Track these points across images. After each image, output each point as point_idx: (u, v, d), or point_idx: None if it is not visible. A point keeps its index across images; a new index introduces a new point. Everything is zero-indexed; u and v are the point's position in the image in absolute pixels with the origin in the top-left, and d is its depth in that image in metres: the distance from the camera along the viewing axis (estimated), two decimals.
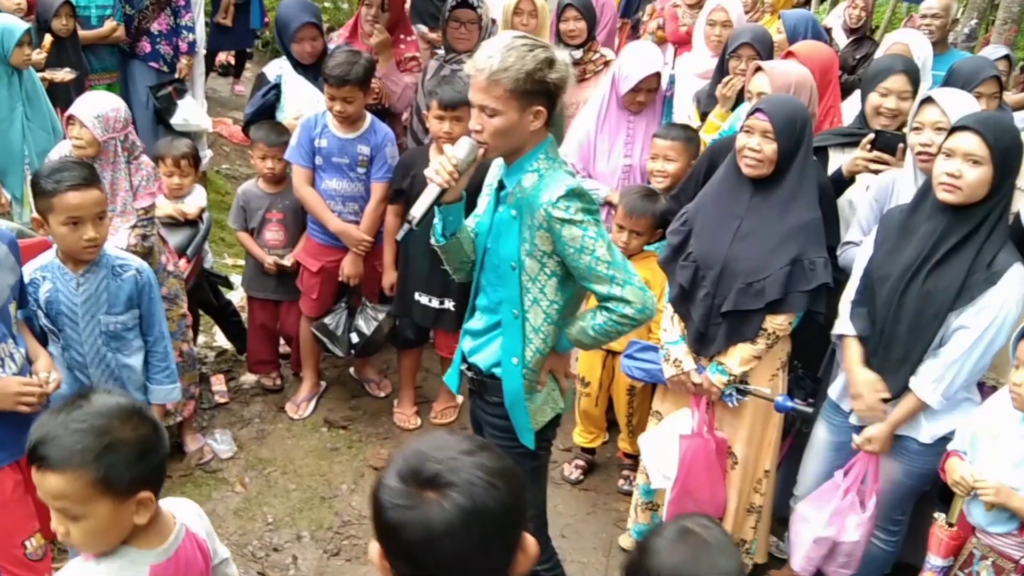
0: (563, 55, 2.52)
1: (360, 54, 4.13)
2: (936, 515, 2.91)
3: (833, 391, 3.22)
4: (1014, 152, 2.78)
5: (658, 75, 4.09)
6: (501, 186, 2.64)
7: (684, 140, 3.88)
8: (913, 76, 3.46)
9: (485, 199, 2.75)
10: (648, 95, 4.10)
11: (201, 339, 5.18)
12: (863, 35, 6.42)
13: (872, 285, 3.02)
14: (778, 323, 3.12)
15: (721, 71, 4.24)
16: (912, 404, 2.93)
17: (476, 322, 2.79)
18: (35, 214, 2.85)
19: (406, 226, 2.49)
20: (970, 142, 2.76)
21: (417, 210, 2.47)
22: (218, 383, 4.74)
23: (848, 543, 3.12)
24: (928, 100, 3.15)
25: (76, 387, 2.90)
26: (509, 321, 2.65)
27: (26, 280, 2.81)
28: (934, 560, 2.88)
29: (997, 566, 2.73)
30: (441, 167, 2.48)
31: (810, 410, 3.23)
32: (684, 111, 4.55)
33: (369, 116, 4.22)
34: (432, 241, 2.69)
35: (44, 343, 2.87)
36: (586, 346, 2.83)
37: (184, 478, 4.04)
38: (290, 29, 4.49)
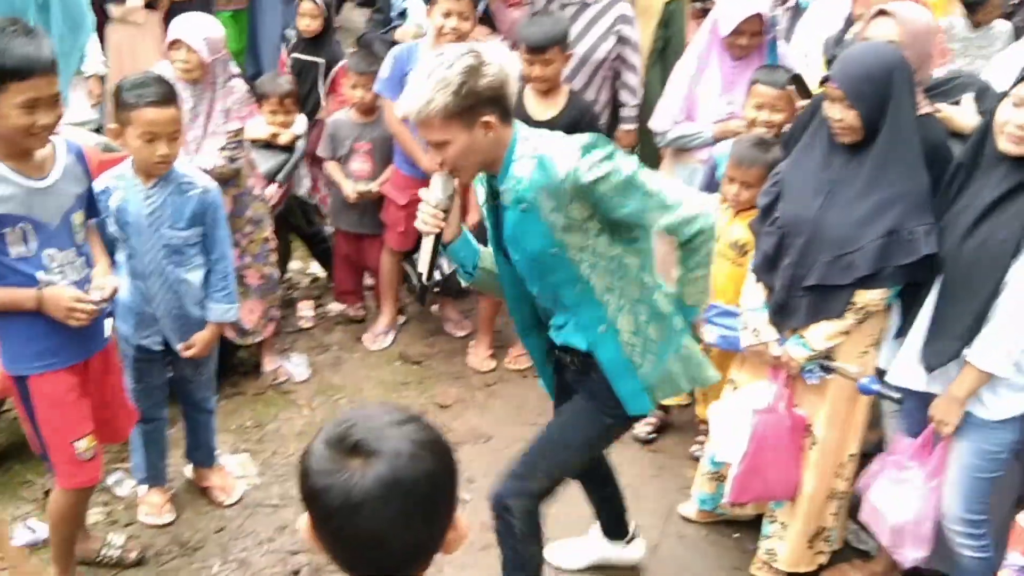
0: (494, 53, 2.30)
1: None
2: (1020, 517, 2.62)
3: (882, 359, 2.98)
4: None
5: (760, 16, 3.77)
6: (494, 195, 2.47)
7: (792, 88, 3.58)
8: None
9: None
10: (752, 39, 3.80)
11: (297, 264, 5.27)
12: None
13: None
14: (870, 298, 2.86)
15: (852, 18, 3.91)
16: (973, 375, 2.68)
17: (555, 320, 2.65)
18: (112, 124, 2.91)
19: (418, 286, 2.46)
20: None
21: (422, 265, 2.42)
22: (306, 308, 4.83)
23: (908, 522, 2.90)
24: None
25: (137, 295, 2.99)
26: (575, 300, 2.51)
27: (99, 188, 2.87)
28: (1015, 558, 2.58)
29: None
30: (424, 215, 2.38)
31: (898, 395, 2.95)
32: (808, 51, 4.19)
33: None
34: (462, 283, 2.60)
35: (113, 250, 2.94)
36: (704, 291, 2.68)
37: (257, 396, 4.14)
38: None
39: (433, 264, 2.41)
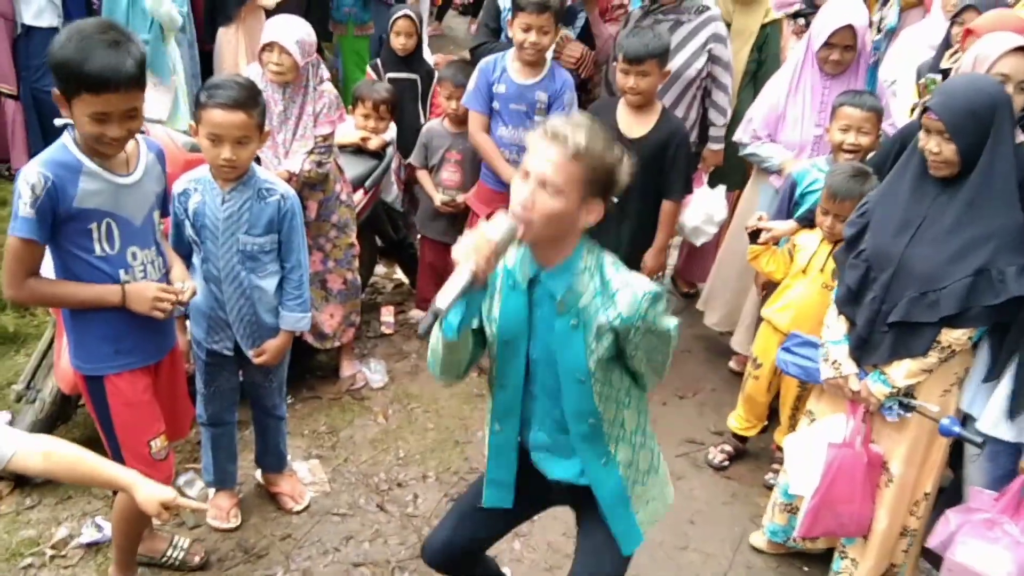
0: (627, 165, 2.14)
1: None
2: None
3: (965, 400, 2.86)
4: None
5: (852, 28, 3.64)
6: (532, 284, 2.18)
7: (879, 112, 3.46)
8: None
9: (498, 295, 2.24)
10: (844, 54, 3.68)
11: (382, 270, 5.32)
12: None
13: None
14: (955, 337, 2.74)
15: (948, 42, 3.74)
16: None
17: (538, 434, 2.37)
18: (192, 122, 2.92)
19: (429, 317, 1.97)
20: None
21: (444, 299, 1.97)
22: (387, 314, 4.87)
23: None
24: None
25: (211, 299, 3.01)
26: (584, 431, 2.28)
27: (179, 190, 2.92)
28: None
29: None
30: (477, 249, 1.99)
31: (980, 439, 2.81)
32: (897, 79, 4.05)
33: (549, 60, 4.06)
34: (436, 337, 2.19)
35: (189, 253, 2.98)
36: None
37: (333, 401, 4.17)
38: None
39: (456, 301, 2.00)
